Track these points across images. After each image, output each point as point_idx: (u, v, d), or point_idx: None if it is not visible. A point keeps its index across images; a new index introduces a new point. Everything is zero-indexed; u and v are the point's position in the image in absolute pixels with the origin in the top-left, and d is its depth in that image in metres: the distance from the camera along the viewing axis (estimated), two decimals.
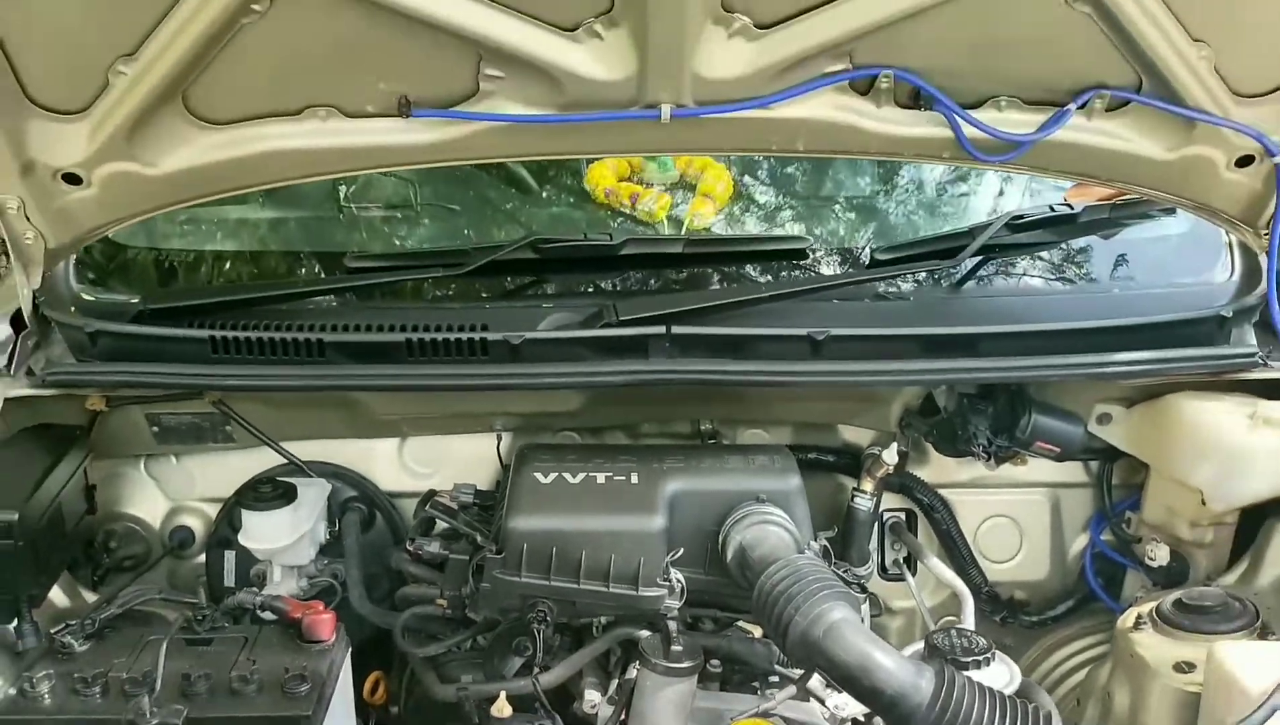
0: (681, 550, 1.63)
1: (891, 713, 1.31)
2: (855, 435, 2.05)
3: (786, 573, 1.44)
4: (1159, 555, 1.91)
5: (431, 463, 2.06)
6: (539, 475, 1.71)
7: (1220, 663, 1.49)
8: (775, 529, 1.59)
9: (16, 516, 1.62)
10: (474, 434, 2.06)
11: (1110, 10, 1.56)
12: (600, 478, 1.70)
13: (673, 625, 1.55)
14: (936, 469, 2.08)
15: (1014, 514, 2.12)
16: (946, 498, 2.09)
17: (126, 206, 1.80)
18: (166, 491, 2.08)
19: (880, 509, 2.03)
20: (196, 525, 2.05)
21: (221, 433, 2.00)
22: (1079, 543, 2.12)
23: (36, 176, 1.72)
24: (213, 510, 2.05)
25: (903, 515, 2.10)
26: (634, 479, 1.69)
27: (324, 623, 1.49)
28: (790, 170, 2.46)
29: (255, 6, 1.53)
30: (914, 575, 2.10)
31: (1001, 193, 2.43)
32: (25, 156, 1.69)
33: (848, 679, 1.35)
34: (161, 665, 1.41)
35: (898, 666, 1.32)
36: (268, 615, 1.59)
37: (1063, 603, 2.10)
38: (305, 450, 2.00)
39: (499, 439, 2.02)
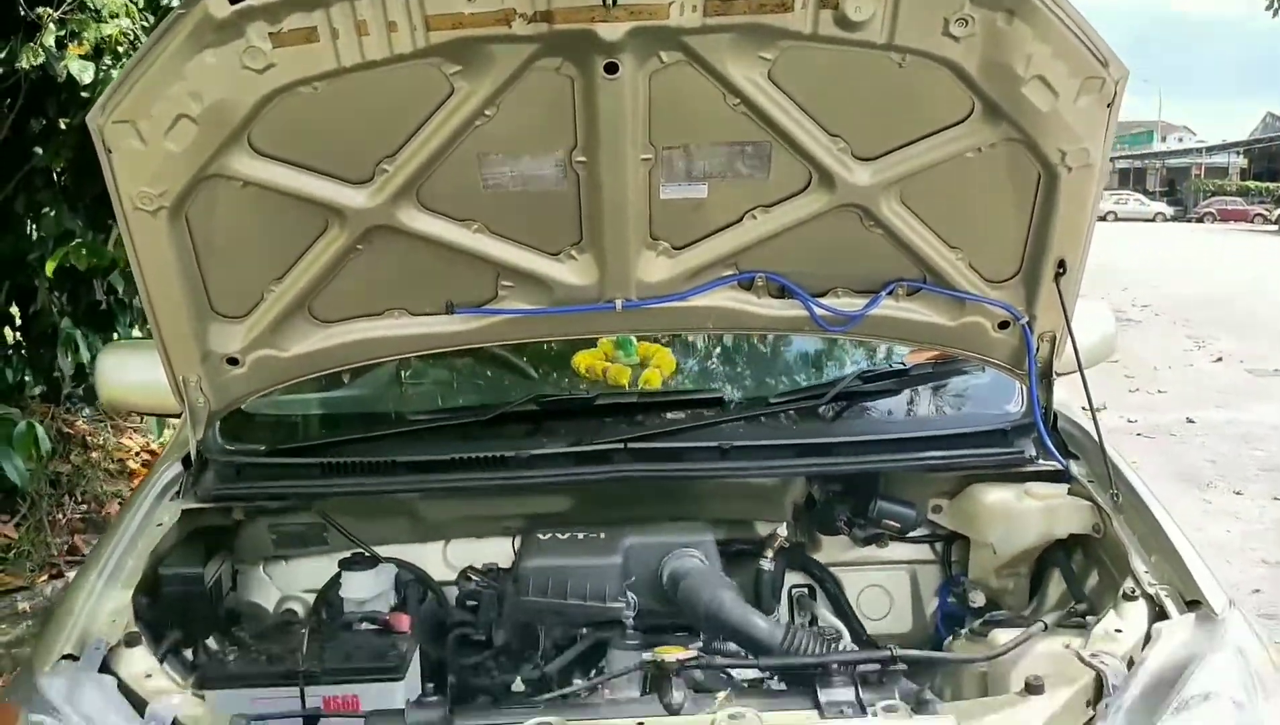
0: (634, 578, 2.39)
1: (757, 647, 2.08)
2: (764, 529, 2.83)
3: (697, 578, 2.24)
4: (978, 600, 2.64)
5: (466, 559, 2.74)
6: (540, 536, 2.48)
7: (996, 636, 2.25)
8: (695, 562, 2.38)
9: (200, 571, 2.41)
10: (495, 538, 2.79)
11: (894, 232, 2.37)
12: (580, 536, 2.47)
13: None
14: (826, 553, 2.84)
15: (884, 584, 2.85)
16: (835, 574, 2.83)
17: (266, 380, 2.54)
18: (279, 586, 2.79)
19: (786, 581, 2.76)
20: (298, 608, 2.75)
21: (320, 539, 2.73)
22: (933, 603, 2.84)
23: (210, 361, 2.43)
24: (309, 597, 2.72)
25: (806, 589, 2.84)
26: (602, 536, 2.46)
27: (404, 620, 2.29)
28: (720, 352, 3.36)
29: (359, 246, 2.32)
30: None
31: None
32: (205, 347, 2.41)
33: (736, 633, 2.13)
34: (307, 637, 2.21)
35: (767, 622, 2.11)
36: (366, 625, 2.37)
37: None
38: (378, 551, 2.70)
39: (514, 540, 2.72)
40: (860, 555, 2.82)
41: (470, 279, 2.45)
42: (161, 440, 6.68)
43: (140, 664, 2.02)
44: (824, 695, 1.95)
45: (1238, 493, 7.20)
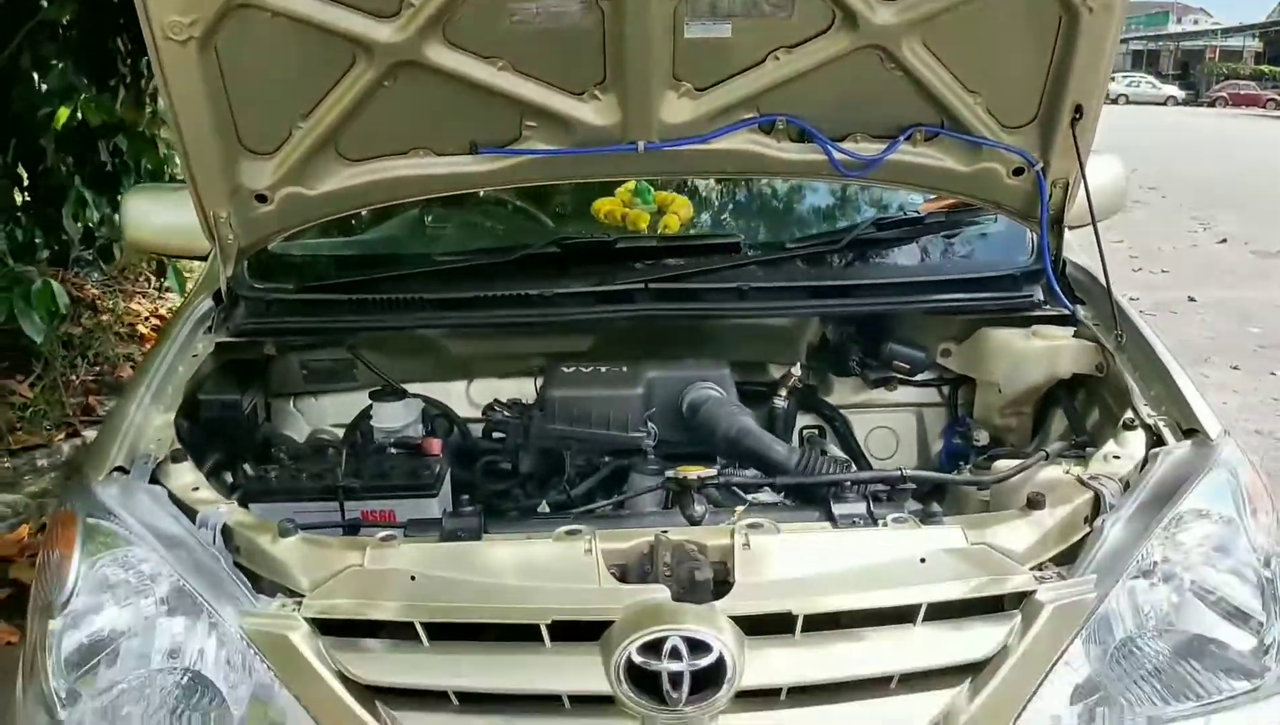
0: (654, 409, 2.49)
1: (773, 468, 2.19)
2: (779, 372, 2.91)
3: (715, 406, 2.34)
4: (982, 438, 2.73)
5: (489, 397, 2.79)
6: (565, 368, 2.57)
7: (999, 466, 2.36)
8: (713, 392, 2.48)
9: (238, 398, 2.50)
10: (519, 378, 2.86)
11: (914, 75, 2.37)
12: (603, 368, 2.56)
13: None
14: (838, 395, 2.94)
15: (892, 425, 2.96)
16: (845, 415, 2.94)
17: (294, 218, 2.56)
18: (309, 420, 2.88)
19: (797, 421, 2.85)
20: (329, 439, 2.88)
21: (349, 376, 2.81)
22: (939, 444, 2.96)
23: (240, 196, 2.43)
24: (339, 431, 2.79)
25: (816, 429, 2.95)
26: (624, 369, 2.55)
27: (435, 444, 2.40)
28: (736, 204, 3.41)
29: (385, 83, 2.32)
30: None
31: None
32: (234, 183, 2.41)
33: (753, 456, 2.23)
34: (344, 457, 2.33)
35: (783, 446, 2.21)
36: (397, 449, 2.48)
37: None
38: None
39: (536, 378, 2.77)
40: (869, 398, 2.92)
41: (494, 119, 2.46)
42: (172, 307, 6.75)
43: (187, 477, 2.12)
44: (837, 509, 2.06)
45: (1235, 368, 7.30)
